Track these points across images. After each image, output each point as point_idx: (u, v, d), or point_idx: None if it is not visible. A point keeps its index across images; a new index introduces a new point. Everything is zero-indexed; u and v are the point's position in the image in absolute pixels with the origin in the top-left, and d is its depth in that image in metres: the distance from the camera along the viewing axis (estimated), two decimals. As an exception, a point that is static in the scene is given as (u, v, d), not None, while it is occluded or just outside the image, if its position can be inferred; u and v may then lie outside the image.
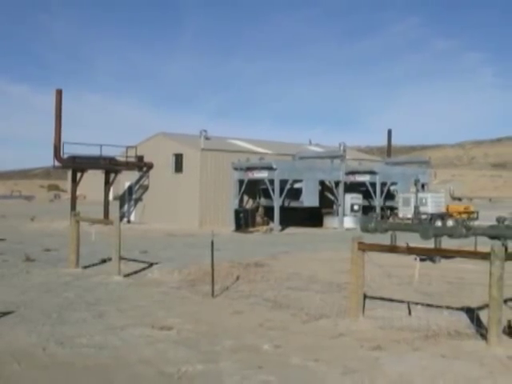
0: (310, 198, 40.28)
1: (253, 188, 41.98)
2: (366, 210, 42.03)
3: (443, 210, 40.80)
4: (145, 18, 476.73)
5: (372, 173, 44.08)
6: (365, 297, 11.63)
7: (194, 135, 44.35)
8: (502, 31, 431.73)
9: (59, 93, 41.02)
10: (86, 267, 18.56)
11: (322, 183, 42.37)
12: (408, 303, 12.12)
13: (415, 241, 18.25)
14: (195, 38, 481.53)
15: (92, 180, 46.24)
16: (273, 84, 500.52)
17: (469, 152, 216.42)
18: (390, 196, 44.78)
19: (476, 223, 28.53)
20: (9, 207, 66.07)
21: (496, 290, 9.04)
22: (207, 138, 43.62)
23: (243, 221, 38.97)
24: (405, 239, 17.43)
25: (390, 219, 38.30)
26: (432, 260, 19.52)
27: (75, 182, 42.73)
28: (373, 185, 43.74)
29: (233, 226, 38.51)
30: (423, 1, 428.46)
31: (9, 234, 31.80)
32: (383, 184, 43.98)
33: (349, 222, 41.38)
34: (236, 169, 41.41)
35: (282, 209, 39.68)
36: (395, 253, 12.19)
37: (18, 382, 7.78)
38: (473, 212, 44.97)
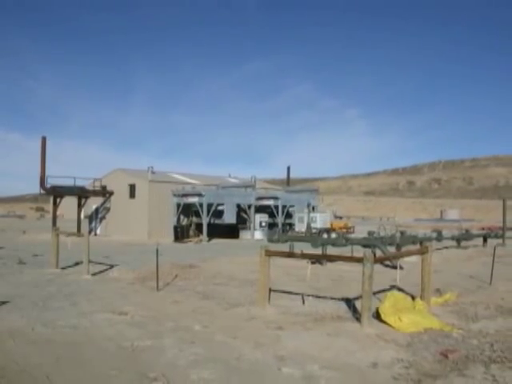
0: (229, 217, 40.37)
1: (187, 209, 41.68)
2: (271, 225, 42.55)
3: (328, 225, 41.56)
4: (107, 82, 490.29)
5: (275, 198, 44.45)
6: (270, 290, 11.74)
7: (144, 170, 43.82)
8: (372, 93, 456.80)
9: (44, 139, 41.15)
10: (63, 268, 18.11)
11: (238, 206, 42.37)
12: (302, 295, 12.29)
13: (307, 249, 18.56)
14: (145, 97, 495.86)
15: (68, 203, 45.07)
16: (203, 132, 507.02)
17: (347, 183, 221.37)
18: (288, 215, 45.23)
19: (352, 236, 29.13)
20: (6, 223, 64.56)
21: (367, 285, 9.26)
22: (153, 173, 43.18)
23: (180, 234, 38.71)
24: (300, 247, 17.62)
25: (289, 232, 38.79)
26: (320, 263, 19.66)
27: (56, 205, 42.13)
28: (276, 207, 44.05)
29: (172, 238, 38.13)
30: (314, 71, 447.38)
31: (6, 243, 31.09)
32: (284, 206, 44.39)
33: (258, 234, 41.47)
34: (175, 195, 41.05)
35: (209, 225, 39.51)
36: (293, 258, 12.36)
37: (14, 354, 7.64)
38: (350, 227, 45.95)
